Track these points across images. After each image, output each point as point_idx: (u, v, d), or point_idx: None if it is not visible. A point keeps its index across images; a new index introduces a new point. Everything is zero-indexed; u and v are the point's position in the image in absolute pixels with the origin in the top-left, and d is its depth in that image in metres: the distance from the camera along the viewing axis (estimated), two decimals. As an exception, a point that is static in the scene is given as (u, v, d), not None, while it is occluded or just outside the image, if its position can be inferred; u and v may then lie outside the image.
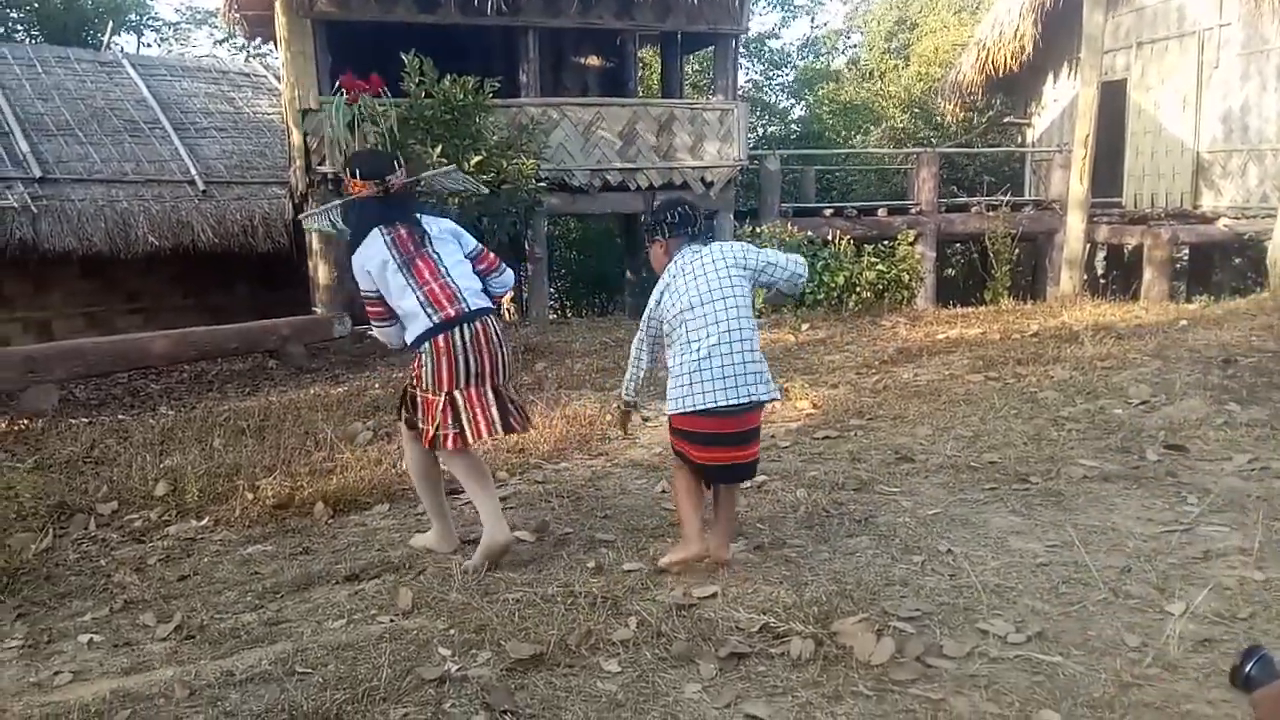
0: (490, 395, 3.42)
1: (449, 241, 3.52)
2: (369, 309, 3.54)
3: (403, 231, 3.41)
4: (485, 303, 3.47)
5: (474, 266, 3.54)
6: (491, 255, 3.66)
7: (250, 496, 4.31)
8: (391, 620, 3.02)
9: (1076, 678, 2.49)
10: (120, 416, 6.72)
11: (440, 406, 3.36)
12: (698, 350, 3.13)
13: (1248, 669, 1.39)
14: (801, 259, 3.40)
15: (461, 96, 9.44)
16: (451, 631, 2.91)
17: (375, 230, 3.40)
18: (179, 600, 3.34)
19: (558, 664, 2.69)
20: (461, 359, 3.35)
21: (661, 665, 2.67)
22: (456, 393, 3.36)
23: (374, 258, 3.38)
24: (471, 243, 3.61)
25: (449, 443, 3.37)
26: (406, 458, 3.77)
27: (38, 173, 11.95)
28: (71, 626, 3.19)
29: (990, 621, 2.81)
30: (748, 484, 3.95)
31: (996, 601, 2.96)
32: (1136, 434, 4.60)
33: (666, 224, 3.32)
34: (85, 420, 6.52)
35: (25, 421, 6.51)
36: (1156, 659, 2.56)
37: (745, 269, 3.25)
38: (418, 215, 3.50)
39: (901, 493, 4.04)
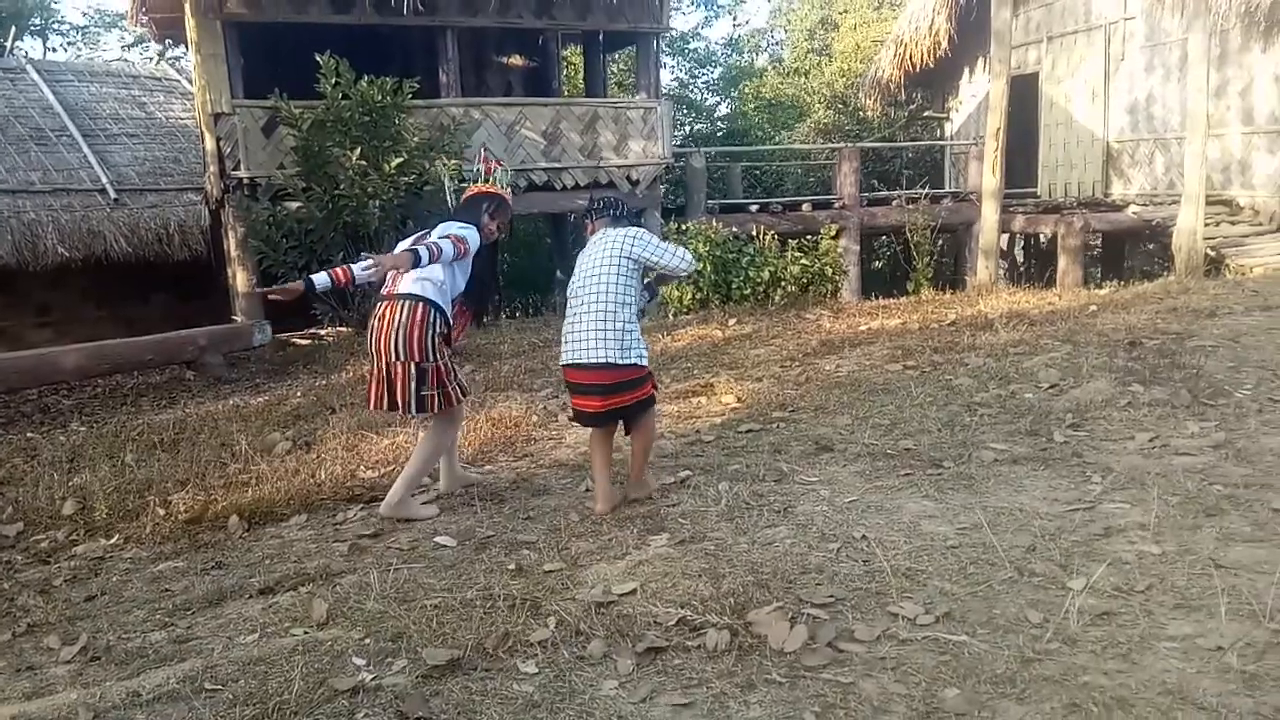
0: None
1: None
2: (461, 246, 3.96)
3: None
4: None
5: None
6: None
7: (161, 512, 4.21)
8: (305, 632, 2.97)
9: (981, 656, 2.56)
10: (29, 434, 6.50)
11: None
12: (567, 316, 3.92)
13: None
14: (688, 255, 4.00)
15: (380, 97, 9.33)
16: (367, 641, 2.88)
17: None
18: (85, 621, 3.24)
19: (474, 668, 2.68)
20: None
21: (579, 664, 2.67)
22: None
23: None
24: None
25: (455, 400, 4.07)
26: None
27: (-63, 184, 11.46)
28: (-30, 654, 3.07)
29: (900, 604, 2.87)
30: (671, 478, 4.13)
31: (907, 584, 3.02)
32: (1045, 417, 4.74)
33: (595, 210, 4.15)
34: (-9, 440, 6.29)
35: (-75, 443, 6.25)
36: (1057, 633, 2.64)
37: (627, 256, 3.87)
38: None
39: (820, 482, 4.11)
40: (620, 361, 3.79)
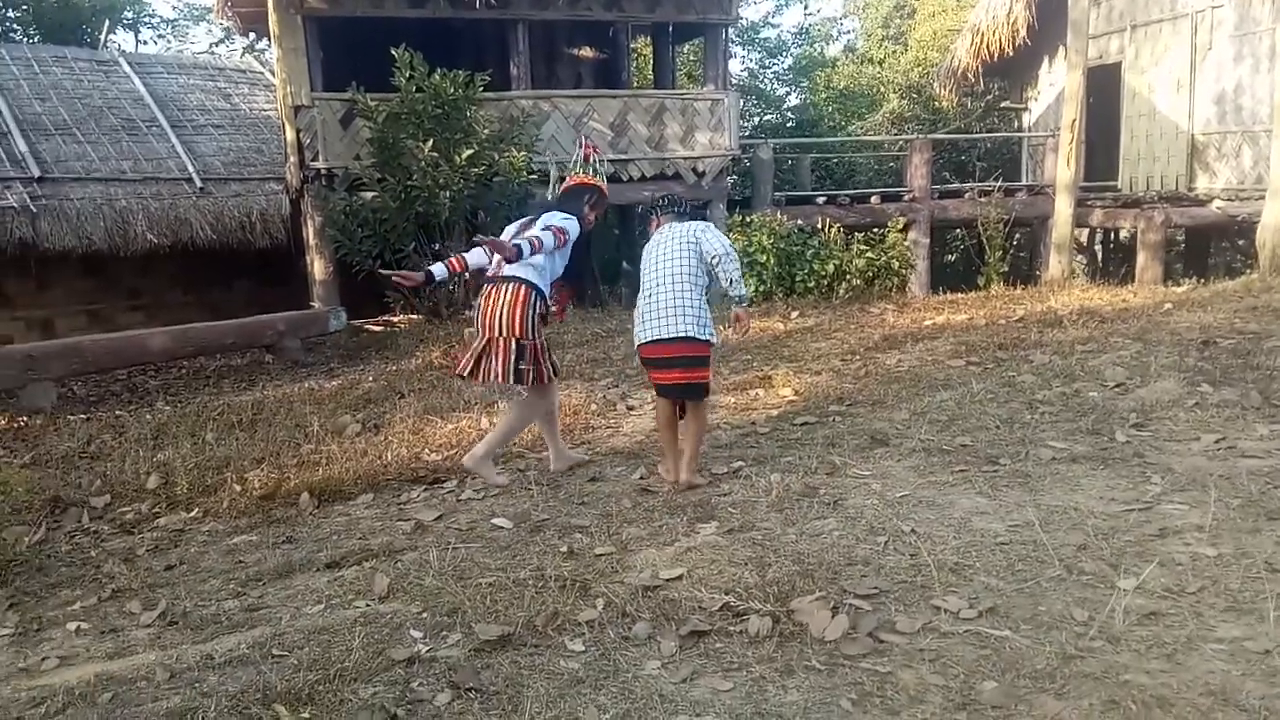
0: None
1: None
2: (560, 236, 4.27)
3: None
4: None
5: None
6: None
7: (238, 488, 4.42)
8: (367, 605, 3.12)
9: (1022, 651, 2.57)
10: (117, 412, 6.84)
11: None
12: (640, 300, 4.22)
13: None
14: (742, 285, 4.26)
15: (452, 90, 9.52)
16: (424, 615, 3.01)
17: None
18: (164, 589, 3.44)
19: (524, 644, 2.79)
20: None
21: (624, 644, 2.76)
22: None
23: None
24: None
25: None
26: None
27: (36, 172, 12.06)
28: (61, 615, 3.30)
29: (944, 598, 2.90)
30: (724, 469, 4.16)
31: (953, 579, 3.04)
32: (1108, 416, 4.67)
33: (660, 207, 4.48)
34: (83, 416, 6.64)
35: (24, 419, 6.64)
36: (1101, 631, 2.64)
37: (695, 245, 4.14)
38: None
39: (873, 476, 4.13)
40: (699, 336, 4.10)
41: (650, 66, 18.02)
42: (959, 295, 9.67)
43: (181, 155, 13.31)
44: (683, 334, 4.07)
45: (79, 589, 3.54)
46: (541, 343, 4.32)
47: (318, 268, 10.60)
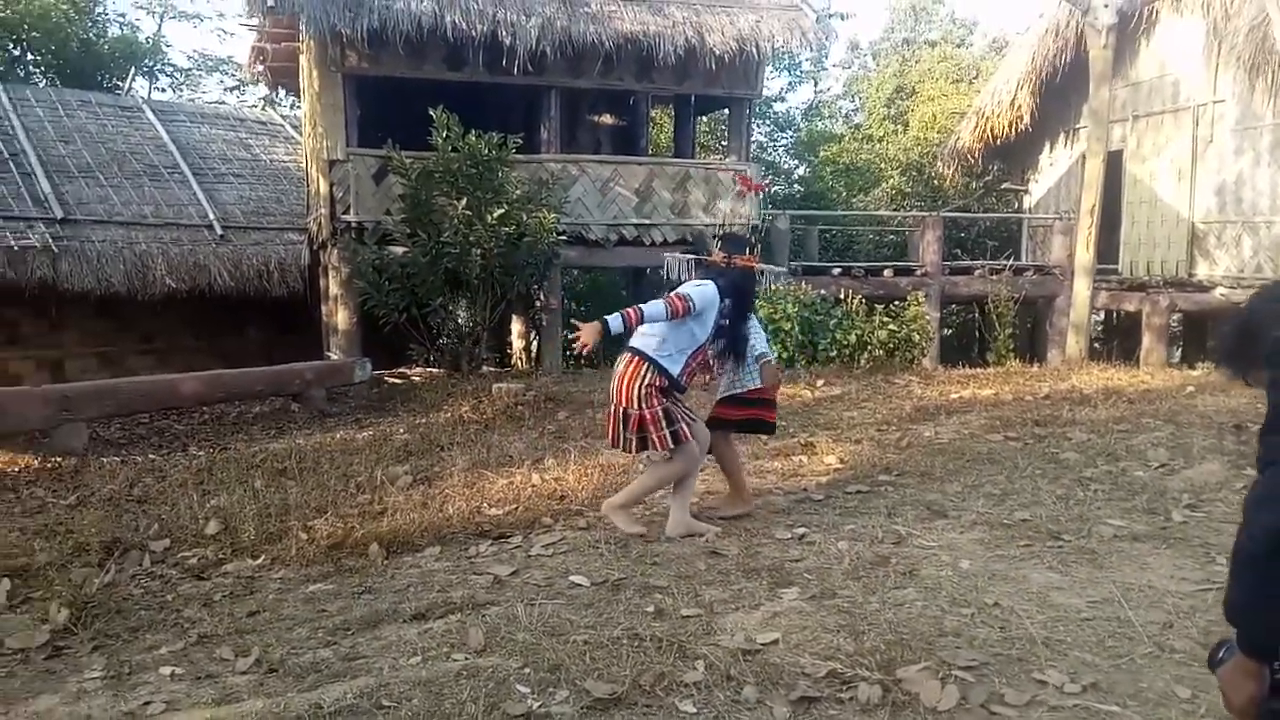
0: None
1: None
2: (679, 305, 4.23)
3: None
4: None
5: None
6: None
7: (304, 536, 4.42)
8: (466, 658, 3.12)
9: (1135, 726, 2.62)
10: (151, 456, 6.82)
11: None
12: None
13: (1219, 655, 1.67)
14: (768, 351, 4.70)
15: (486, 151, 9.72)
16: (526, 670, 3.02)
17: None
18: (252, 635, 3.43)
19: (634, 703, 2.80)
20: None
21: (735, 707, 2.78)
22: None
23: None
24: None
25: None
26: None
27: (59, 213, 12.14)
28: (149, 659, 3.28)
29: (1045, 672, 2.94)
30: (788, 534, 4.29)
31: (1048, 653, 3.09)
32: (1160, 495, 4.77)
33: (724, 239, 4.82)
34: (118, 459, 6.62)
35: (57, 459, 6.60)
36: (1210, 711, 2.69)
37: None
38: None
39: (940, 547, 4.18)
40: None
41: (663, 133, 18.44)
42: (977, 370, 9.83)
43: (203, 202, 13.45)
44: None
45: (162, 633, 3.52)
46: (652, 412, 4.25)
47: (341, 318, 10.67)
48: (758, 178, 12.11)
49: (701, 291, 4.32)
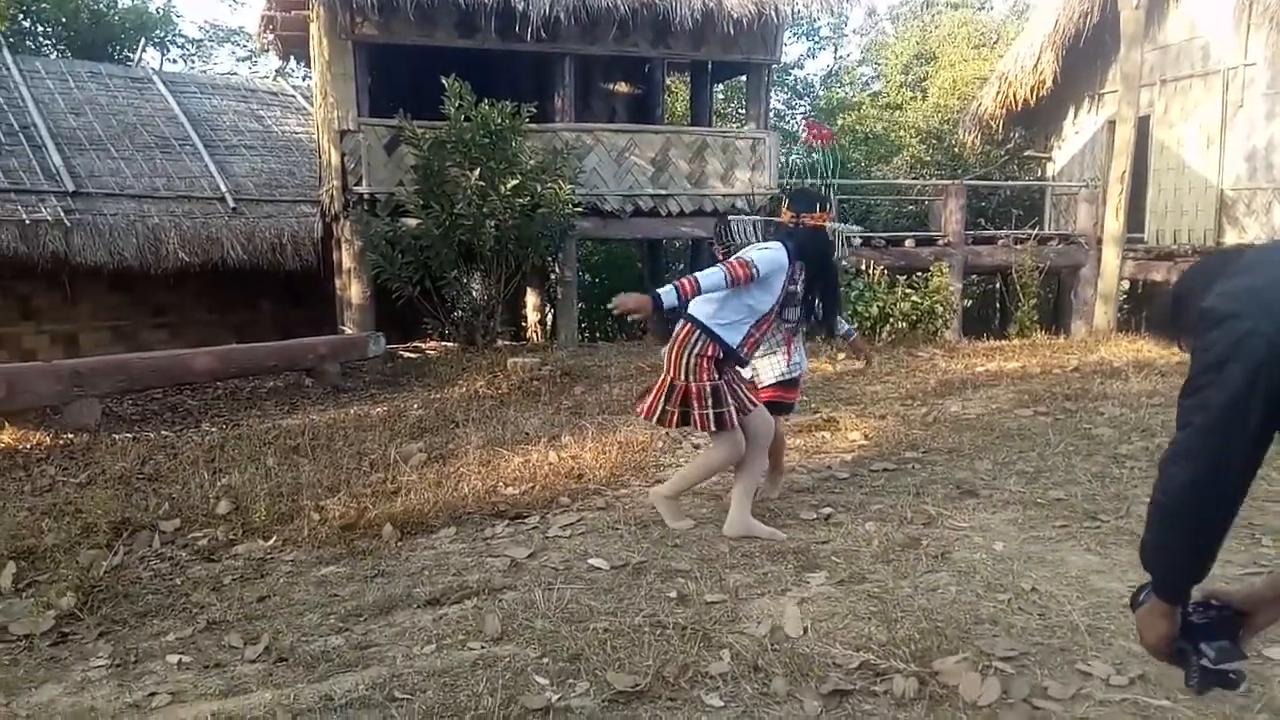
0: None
1: None
2: (741, 272, 3.82)
3: None
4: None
5: None
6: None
7: (316, 517, 4.32)
8: (482, 647, 3.01)
9: (1188, 723, 2.47)
10: (164, 432, 6.73)
11: None
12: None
13: (1140, 598, 1.73)
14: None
15: (499, 120, 9.52)
16: (545, 660, 2.90)
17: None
18: (261, 621, 3.33)
19: (658, 696, 2.68)
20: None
21: (764, 700, 2.66)
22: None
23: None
24: None
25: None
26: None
27: (70, 186, 12.04)
28: (156, 646, 3.18)
29: (1089, 663, 2.80)
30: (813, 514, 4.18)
31: (1091, 642, 2.94)
32: (1200, 473, 4.59)
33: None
34: (130, 436, 6.53)
35: (70, 436, 6.52)
36: (1267, 706, 2.54)
37: None
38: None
39: (972, 529, 4.03)
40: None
41: (679, 102, 18.14)
42: (1002, 342, 9.63)
43: (214, 175, 13.32)
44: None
45: (170, 619, 3.42)
46: (699, 386, 3.90)
47: (354, 292, 10.54)
48: (776, 145, 11.85)
49: (766, 255, 3.90)
